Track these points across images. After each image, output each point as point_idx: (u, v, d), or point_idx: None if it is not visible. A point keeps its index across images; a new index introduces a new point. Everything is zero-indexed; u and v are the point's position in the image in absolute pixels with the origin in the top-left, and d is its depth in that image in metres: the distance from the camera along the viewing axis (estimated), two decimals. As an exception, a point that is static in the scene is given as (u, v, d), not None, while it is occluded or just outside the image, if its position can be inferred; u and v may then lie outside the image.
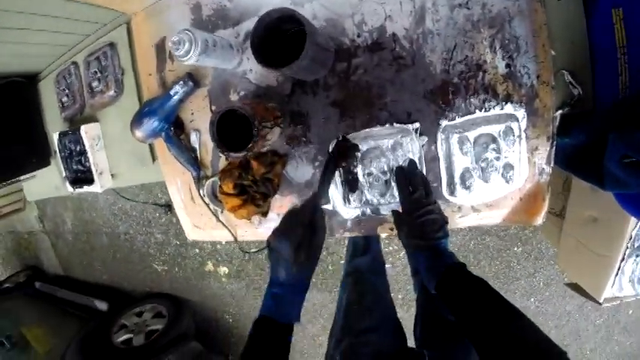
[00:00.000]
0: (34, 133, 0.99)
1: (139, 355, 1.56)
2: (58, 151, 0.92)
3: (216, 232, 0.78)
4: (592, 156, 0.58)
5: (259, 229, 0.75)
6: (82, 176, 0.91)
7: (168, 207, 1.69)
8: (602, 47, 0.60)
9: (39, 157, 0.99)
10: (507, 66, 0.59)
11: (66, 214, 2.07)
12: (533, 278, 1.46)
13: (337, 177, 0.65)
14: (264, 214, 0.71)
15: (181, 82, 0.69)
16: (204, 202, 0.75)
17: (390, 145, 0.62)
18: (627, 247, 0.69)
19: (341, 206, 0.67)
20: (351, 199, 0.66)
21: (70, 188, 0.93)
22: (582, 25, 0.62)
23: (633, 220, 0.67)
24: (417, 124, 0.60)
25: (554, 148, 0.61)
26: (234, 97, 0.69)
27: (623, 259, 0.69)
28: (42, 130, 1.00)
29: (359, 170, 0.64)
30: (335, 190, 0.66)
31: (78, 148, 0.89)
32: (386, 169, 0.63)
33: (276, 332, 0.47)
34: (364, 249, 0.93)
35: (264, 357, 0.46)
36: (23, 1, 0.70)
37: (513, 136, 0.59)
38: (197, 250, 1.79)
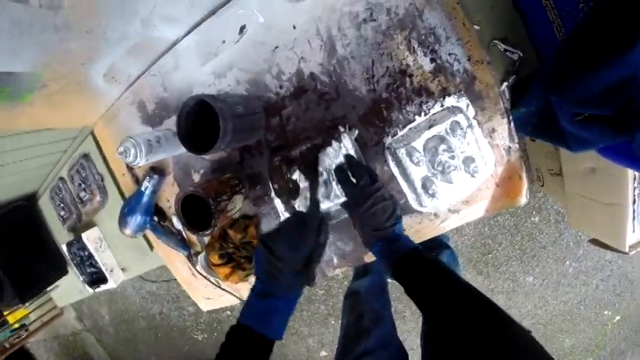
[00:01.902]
0: (46, 249, 1.16)
1: None
2: (69, 259, 1.06)
3: (223, 298, 0.86)
4: (549, 120, 0.57)
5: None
6: (97, 277, 1.04)
7: None
8: (527, 5, 0.60)
9: (56, 269, 1.16)
10: (432, 60, 0.60)
11: (101, 309, 2.30)
12: (561, 241, 1.40)
13: (276, 193, 0.68)
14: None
15: (147, 177, 0.78)
16: (203, 275, 0.83)
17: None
18: (635, 187, 0.66)
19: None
20: (295, 205, 0.67)
21: (90, 290, 1.07)
22: None
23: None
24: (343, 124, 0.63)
25: (511, 123, 0.61)
26: (195, 177, 0.77)
27: (634, 201, 0.66)
28: (53, 243, 1.17)
29: (296, 177, 0.65)
30: (279, 204, 0.68)
31: (86, 253, 1.02)
32: (321, 169, 0.64)
33: (258, 345, 0.44)
34: (364, 271, 0.96)
35: None
36: (6, 142, 0.84)
37: (462, 128, 0.60)
38: (229, 312, 1.93)
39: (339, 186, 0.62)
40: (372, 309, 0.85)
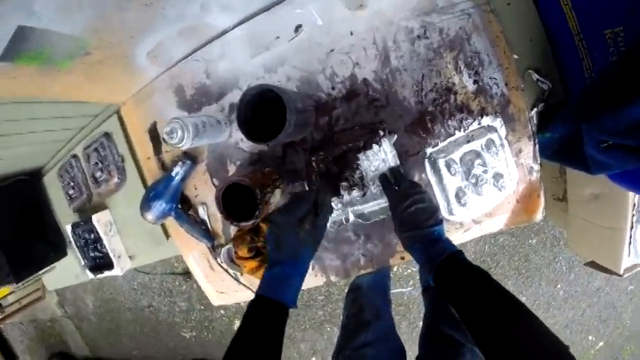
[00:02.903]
0: (47, 228, 1.09)
1: None
2: (73, 241, 1.01)
3: (239, 293, 0.85)
4: (574, 145, 0.63)
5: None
6: (100, 262, 1.00)
7: (187, 274, 1.77)
8: (560, 37, 0.67)
9: (56, 250, 1.09)
10: (475, 82, 0.66)
11: (86, 296, 2.18)
12: (555, 264, 1.52)
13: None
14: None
15: (180, 163, 0.77)
16: (223, 268, 0.82)
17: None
18: (633, 215, 0.74)
19: None
20: (333, 204, 0.69)
21: (90, 275, 1.02)
22: (536, 21, 0.69)
23: (633, 187, 0.72)
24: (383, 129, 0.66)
25: (537, 145, 0.67)
26: (231, 168, 0.77)
27: (632, 226, 0.75)
28: (54, 223, 1.10)
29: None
30: None
31: (92, 236, 0.98)
32: (361, 170, 0.67)
33: (273, 311, 0.47)
34: None
35: (258, 336, 0.46)
36: (16, 110, 0.80)
37: (495, 146, 0.66)
38: (222, 312, 1.89)
39: (379, 189, 0.66)
40: (372, 303, 0.87)
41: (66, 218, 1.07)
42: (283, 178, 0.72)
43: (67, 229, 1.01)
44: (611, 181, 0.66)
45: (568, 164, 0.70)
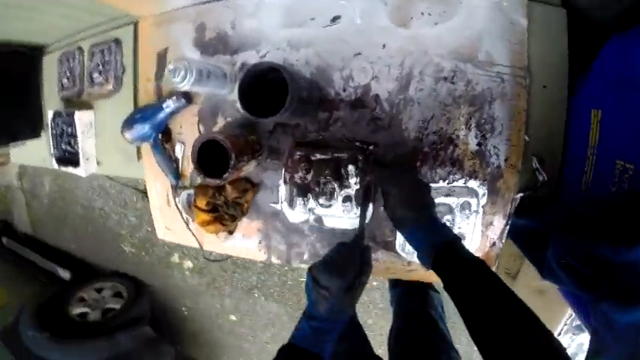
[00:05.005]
0: (30, 105, 1.06)
1: (92, 330, 1.64)
2: (50, 127, 0.98)
3: (185, 236, 0.85)
4: (539, 243, 0.63)
5: (224, 244, 0.82)
6: (68, 157, 0.98)
7: (146, 195, 1.76)
8: (575, 143, 0.65)
9: (32, 129, 1.07)
10: (479, 144, 0.64)
11: (46, 178, 2.15)
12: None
13: (285, 181, 0.66)
14: (231, 232, 0.78)
15: (174, 98, 0.74)
16: (179, 209, 0.81)
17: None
18: (565, 324, 0.75)
19: (286, 208, 0.69)
20: (298, 202, 0.67)
21: (55, 165, 1.00)
22: (563, 116, 0.67)
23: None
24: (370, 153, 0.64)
25: (508, 226, 0.66)
26: (220, 121, 0.75)
27: (559, 334, 0.76)
28: (39, 103, 1.07)
29: (309, 179, 0.65)
30: (282, 191, 0.68)
31: (69, 130, 0.95)
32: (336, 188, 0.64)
33: None
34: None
35: None
36: None
37: (470, 210, 0.65)
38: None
39: (344, 207, 0.64)
40: None
41: (51, 104, 1.03)
42: (263, 152, 0.70)
43: (49, 114, 0.98)
44: (558, 290, 0.66)
45: (527, 255, 0.70)
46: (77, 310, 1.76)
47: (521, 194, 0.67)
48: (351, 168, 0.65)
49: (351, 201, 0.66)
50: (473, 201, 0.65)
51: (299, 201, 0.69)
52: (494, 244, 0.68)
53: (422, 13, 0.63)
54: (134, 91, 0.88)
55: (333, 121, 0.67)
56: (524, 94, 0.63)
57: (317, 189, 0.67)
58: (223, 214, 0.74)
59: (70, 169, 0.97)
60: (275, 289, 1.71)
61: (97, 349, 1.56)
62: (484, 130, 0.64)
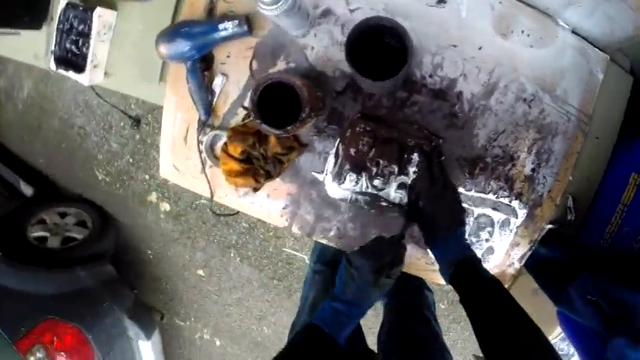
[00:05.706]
0: None
1: (49, 257, 1.42)
2: (57, 20, 0.78)
3: (194, 181, 0.74)
4: (557, 274, 0.66)
5: (240, 200, 0.73)
6: (72, 59, 0.79)
7: (137, 121, 1.54)
8: (607, 194, 0.70)
9: (33, 17, 0.84)
10: (532, 170, 0.66)
11: (27, 80, 1.77)
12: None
13: (336, 152, 0.65)
14: (255, 190, 0.70)
15: (236, 21, 0.64)
16: (199, 149, 0.70)
17: None
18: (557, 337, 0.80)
19: (330, 181, 0.66)
20: (348, 178, 0.65)
21: (53, 65, 0.80)
22: (603, 168, 0.72)
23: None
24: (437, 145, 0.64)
25: (530, 251, 0.69)
26: (280, 65, 0.67)
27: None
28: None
29: (371, 156, 0.63)
30: (330, 162, 0.65)
31: (81, 28, 0.77)
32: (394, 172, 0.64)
33: (325, 345, 0.48)
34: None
35: None
36: None
37: (508, 228, 0.67)
38: (147, 177, 1.67)
39: (397, 194, 0.64)
40: None
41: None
42: (325, 111, 0.63)
43: (61, 3, 0.78)
44: (558, 318, 0.70)
45: (539, 281, 0.74)
46: (36, 232, 1.51)
47: (550, 225, 0.71)
48: (415, 156, 0.62)
49: (405, 189, 0.63)
50: (512, 220, 0.67)
51: (350, 177, 0.64)
52: (512, 264, 0.70)
53: (522, 31, 0.63)
54: (176, 1, 0.75)
55: (410, 103, 0.63)
56: (581, 138, 0.66)
57: (375, 169, 0.63)
58: (258, 168, 0.65)
59: (71, 74, 0.78)
60: (254, 253, 1.61)
61: (54, 280, 1.34)
62: (541, 159, 0.66)
